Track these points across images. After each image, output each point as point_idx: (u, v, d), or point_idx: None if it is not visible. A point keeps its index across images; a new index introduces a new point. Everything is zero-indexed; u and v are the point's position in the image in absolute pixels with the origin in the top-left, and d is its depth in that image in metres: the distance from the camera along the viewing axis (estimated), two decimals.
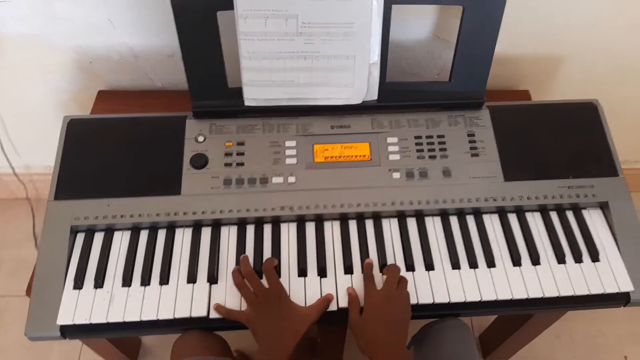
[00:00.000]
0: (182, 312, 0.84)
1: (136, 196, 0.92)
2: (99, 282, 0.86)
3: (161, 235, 0.92)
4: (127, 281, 0.87)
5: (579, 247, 0.93)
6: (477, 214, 0.96)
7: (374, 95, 0.98)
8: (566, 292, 0.88)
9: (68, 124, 0.98)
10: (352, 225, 0.94)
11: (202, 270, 0.88)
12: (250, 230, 0.93)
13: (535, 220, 0.96)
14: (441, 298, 0.87)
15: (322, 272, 0.89)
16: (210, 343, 0.89)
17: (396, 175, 0.96)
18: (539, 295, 0.87)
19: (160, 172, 0.94)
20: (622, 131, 1.31)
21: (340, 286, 0.87)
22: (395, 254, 0.91)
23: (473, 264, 0.90)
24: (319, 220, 0.94)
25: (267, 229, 0.93)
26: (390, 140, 0.99)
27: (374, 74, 0.95)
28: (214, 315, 0.84)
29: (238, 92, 0.96)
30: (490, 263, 0.90)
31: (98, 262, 0.89)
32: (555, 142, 1.00)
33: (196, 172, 0.94)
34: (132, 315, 0.84)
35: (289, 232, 0.93)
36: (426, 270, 0.90)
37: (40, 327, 0.83)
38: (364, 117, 1.01)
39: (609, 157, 1.00)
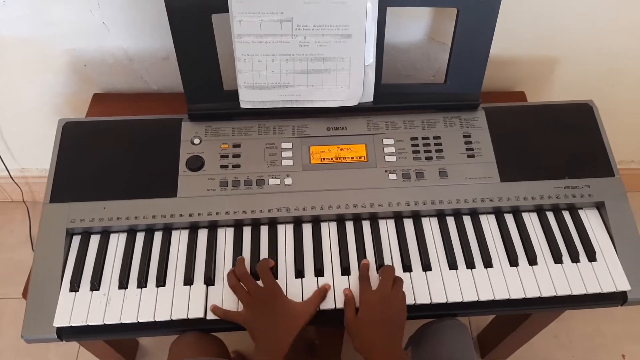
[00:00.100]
0: (179, 314, 0.84)
1: (132, 198, 0.92)
2: (95, 285, 0.86)
3: (157, 237, 0.92)
4: (123, 283, 0.87)
5: (576, 247, 0.93)
6: (474, 214, 0.96)
7: (369, 97, 0.98)
8: (563, 291, 0.88)
9: (63, 127, 0.98)
10: (349, 227, 0.94)
11: (198, 272, 0.88)
12: (247, 231, 0.93)
13: (531, 221, 0.96)
14: (438, 298, 0.87)
15: (319, 273, 0.89)
16: (207, 344, 0.89)
17: (392, 176, 0.96)
18: (536, 294, 0.88)
19: (156, 175, 0.94)
20: (618, 131, 1.31)
21: (337, 287, 0.87)
22: (392, 255, 0.91)
23: (470, 264, 0.90)
24: (316, 222, 0.94)
25: (264, 231, 0.93)
26: (386, 141, 0.99)
27: (369, 76, 0.95)
28: (210, 316, 0.84)
29: (234, 95, 0.96)
30: (488, 263, 0.90)
31: (94, 265, 0.88)
32: (551, 143, 1.01)
33: (192, 174, 0.94)
34: (129, 317, 0.84)
35: (285, 234, 0.93)
36: (423, 270, 0.90)
37: (36, 329, 0.83)
38: (360, 118, 1.01)
39: (605, 157, 1.00)
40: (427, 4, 0.99)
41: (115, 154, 0.96)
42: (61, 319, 0.83)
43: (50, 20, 1.08)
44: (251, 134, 0.99)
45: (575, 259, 0.92)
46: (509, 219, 0.96)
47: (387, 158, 0.98)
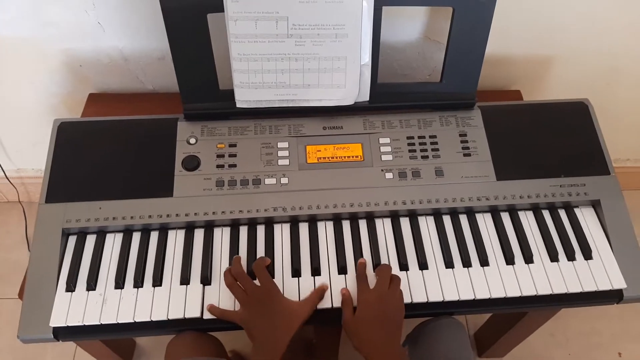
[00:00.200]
0: (175, 313, 0.84)
1: (128, 198, 0.92)
2: (91, 285, 0.86)
3: (154, 237, 0.92)
4: (119, 283, 0.87)
5: (572, 245, 0.93)
6: (470, 213, 0.96)
7: (365, 97, 0.98)
8: (559, 289, 0.88)
9: (59, 127, 0.98)
10: (346, 226, 0.94)
11: (195, 272, 0.88)
12: (243, 231, 0.93)
13: (527, 219, 0.96)
14: (435, 297, 0.87)
15: (315, 273, 0.89)
16: (204, 344, 0.89)
17: (389, 175, 0.96)
18: (532, 293, 0.88)
19: (152, 175, 0.94)
20: (614, 130, 1.32)
21: (334, 286, 0.87)
22: (388, 254, 0.91)
23: (466, 263, 0.90)
24: (313, 221, 0.94)
25: (261, 230, 0.93)
26: (382, 140, 0.99)
27: (365, 75, 0.95)
28: (207, 316, 0.84)
29: (229, 94, 0.96)
30: (484, 262, 0.91)
31: (90, 265, 0.88)
32: (546, 142, 1.01)
33: (188, 174, 0.94)
34: (126, 317, 0.83)
35: (282, 233, 0.93)
36: (420, 269, 0.90)
37: (33, 330, 0.83)
38: (356, 118, 1.01)
39: (601, 155, 1.00)
40: (423, 3, 0.99)
41: (111, 154, 0.96)
42: (57, 319, 0.83)
43: (46, 20, 1.07)
44: (247, 133, 0.99)
45: (571, 257, 0.92)
46: (505, 218, 0.96)
47: (384, 157, 0.98)
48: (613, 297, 0.90)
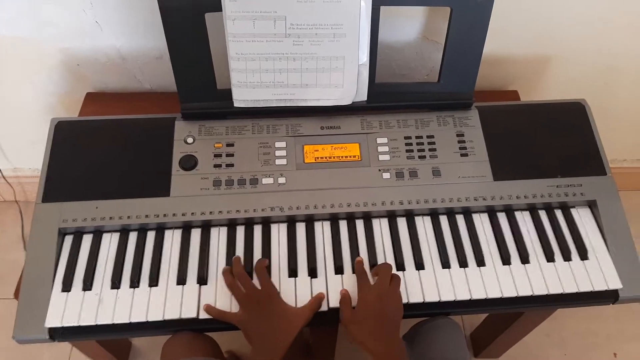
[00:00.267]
0: (171, 314, 0.84)
1: (125, 198, 0.91)
2: (87, 285, 0.86)
3: (150, 237, 0.92)
4: (116, 283, 0.86)
5: (568, 246, 0.93)
6: (467, 213, 0.96)
7: (363, 96, 0.98)
8: (555, 290, 0.88)
9: (56, 126, 0.97)
10: (343, 226, 0.94)
11: (192, 272, 0.88)
12: (240, 231, 0.93)
13: (524, 219, 0.96)
14: (431, 297, 0.87)
15: (312, 273, 0.89)
16: (200, 344, 0.88)
17: (386, 175, 0.96)
18: (528, 293, 0.88)
19: (149, 174, 0.94)
20: (611, 130, 1.32)
21: (331, 286, 0.87)
22: (385, 254, 0.91)
23: (463, 263, 0.90)
24: (310, 221, 0.94)
25: (258, 230, 0.93)
26: (380, 140, 0.99)
27: (363, 75, 0.96)
28: (204, 316, 0.84)
29: (227, 94, 0.96)
30: (480, 262, 0.91)
31: (86, 265, 0.88)
32: (543, 142, 1.01)
33: (185, 173, 0.94)
34: (122, 317, 0.83)
35: (279, 233, 0.93)
36: (416, 269, 0.90)
37: (28, 330, 0.82)
38: (354, 117, 1.01)
39: (597, 156, 1.00)
40: (421, 3, 0.99)
41: (108, 154, 0.96)
42: (53, 320, 0.83)
43: (44, 20, 1.07)
44: (245, 133, 0.99)
45: (567, 257, 0.92)
46: (502, 218, 0.96)
47: (381, 157, 0.98)
48: (609, 297, 0.90)
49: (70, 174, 0.94)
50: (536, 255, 0.92)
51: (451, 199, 0.95)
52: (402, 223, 0.95)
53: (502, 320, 1.26)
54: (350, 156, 0.98)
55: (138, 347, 1.46)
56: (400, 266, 0.90)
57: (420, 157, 0.98)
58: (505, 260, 0.91)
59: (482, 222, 0.96)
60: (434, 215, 0.96)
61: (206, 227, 0.93)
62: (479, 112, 1.03)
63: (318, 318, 0.85)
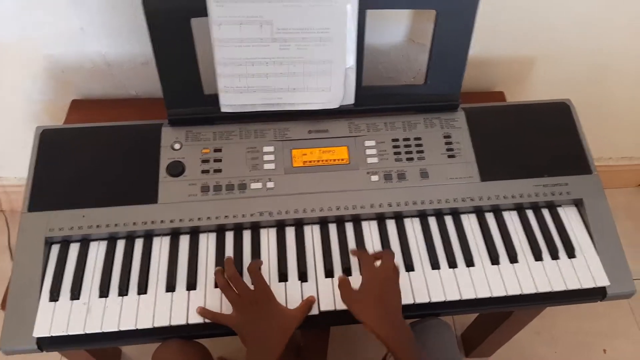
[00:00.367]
0: (161, 321, 0.83)
1: (112, 206, 0.91)
2: (75, 294, 0.85)
3: (138, 244, 0.91)
4: (104, 292, 0.86)
5: (555, 244, 0.94)
6: (455, 214, 0.97)
7: (350, 100, 0.98)
8: (544, 288, 0.89)
9: (41, 134, 0.96)
10: (332, 229, 0.94)
11: (180, 279, 0.88)
12: (229, 236, 0.93)
13: (512, 219, 0.97)
14: (421, 298, 0.87)
15: (302, 277, 0.89)
16: (191, 351, 0.88)
17: (374, 177, 0.96)
18: (517, 292, 0.89)
19: (136, 181, 0.93)
20: (596, 129, 1.33)
21: (321, 290, 0.87)
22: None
23: (452, 264, 0.91)
24: (299, 225, 0.94)
25: (247, 235, 0.93)
26: (368, 143, 1.00)
27: (350, 78, 0.96)
28: (194, 320, 0.83)
29: (214, 99, 0.95)
30: (469, 262, 0.91)
31: (74, 274, 0.87)
32: (530, 142, 1.02)
33: (173, 179, 0.94)
34: (111, 326, 0.83)
35: (268, 238, 0.93)
36: (406, 271, 0.90)
37: (16, 341, 0.82)
38: (342, 121, 1.01)
39: (583, 155, 1.01)
40: (406, 6, 1.00)
41: (94, 161, 0.95)
42: (41, 329, 0.82)
43: (27, 26, 1.06)
44: (232, 138, 0.98)
45: (555, 255, 0.93)
46: (490, 218, 0.97)
47: (369, 160, 0.98)
48: (597, 294, 0.91)
49: (56, 183, 0.93)
50: (524, 255, 0.93)
51: (439, 200, 0.95)
52: (391, 225, 0.95)
53: (492, 320, 1.27)
54: (338, 159, 0.98)
55: (128, 355, 1.45)
56: None
57: (408, 159, 0.98)
58: (494, 260, 0.92)
59: (470, 223, 0.96)
60: (422, 216, 0.96)
61: (195, 234, 0.92)
62: (465, 113, 1.04)
63: (309, 321, 0.85)
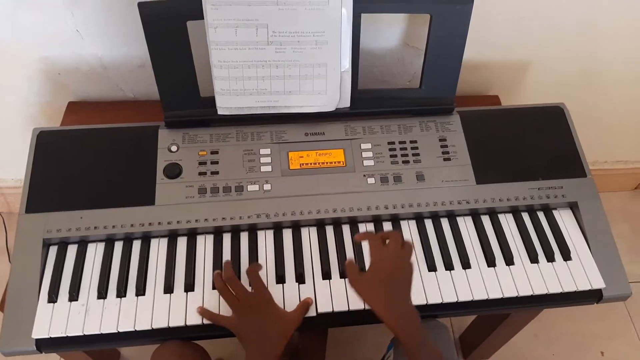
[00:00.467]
0: (159, 322, 0.84)
1: (109, 207, 0.91)
2: (73, 295, 0.85)
3: (136, 246, 0.91)
4: (102, 293, 0.86)
5: (551, 247, 0.94)
6: (451, 216, 0.97)
7: (346, 103, 0.99)
8: (540, 290, 0.90)
9: (38, 136, 0.97)
10: (329, 231, 0.95)
11: (178, 280, 0.88)
12: (226, 238, 0.93)
13: (507, 221, 0.98)
14: (418, 300, 0.87)
15: (300, 279, 0.89)
16: (189, 352, 0.88)
17: (371, 180, 0.97)
18: (513, 294, 0.89)
19: (133, 183, 0.94)
20: (591, 133, 1.34)
21: (319, 292, 0.88)
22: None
23: (449, 266, 0.91)
24: (296, 227, 0.95)
25: (244, 237, 0.93)
26: (364, 146, 1.00)
27: (346, 82, 0.96)
28: (192, 322, 0.84)
29: (211, 101, 0.96)
30: (466, 264, 0.92)
31: (72, 275, 0.87)
32: (524, 145, 1.03)
33: (170, 181, 0.94)
34: (109, 327, 0.83)
35: (266, 240, 0.93)
36: None
37: (14, 342, 0.82)
38: (338, 124, 1.02)
39: (577, 158, 1.02)
40: (401, 10, 1.00)
41: (91, 163, 0.95)
42: (40, 331, 0.82)
43: (22, 28, 1.06)
44: (229, 140, 0.99)
45: (550, 258, 0.93)
46: (486, 221, 0.97)
47: (365, 162, 0.98)
48: (593, 296, 0.92)
49: (53, 184, 0.93)
50: (520, 257, 0.93)
51: (435, 203, 0.96)
52: (387, 227, 0.95)
53: (489, 322, 1.27)
54: (335, 162, 0.98)
55: (126, 356, 1.45)
56: None
57: (404, 162, 0.99)
58: (490, 262, 0.92)
59: (466, 225, 0.97)
60: (418, 219, 0.97)
61: (192, 235, 0.93)
62: (460, 117, 1.04)
63: (307, 323, 0.85)
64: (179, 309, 0.85)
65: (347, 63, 0.94)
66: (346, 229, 0.95)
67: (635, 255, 1.69)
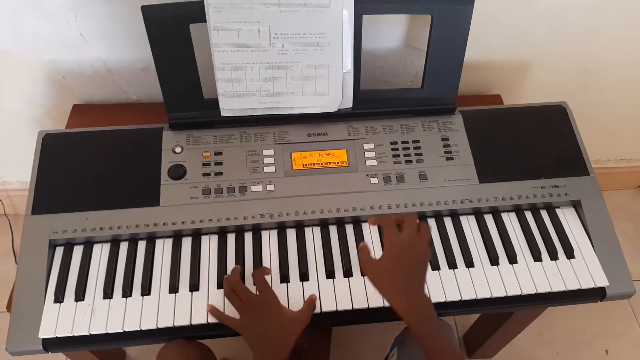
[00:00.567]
0: (165, 322, 0.84)
1: (114, 208, 0.92)
2: (79, 295, 0.86)
3: (141, 246, 0.92)
4: (108, 293, 0.87)
5: (554, 245, 0.95)
6: (454, 215, 0.98)
7: (349, 103, 0.99)
8: (543, 289, 0.90)
9: (43, 139, 0.98)
10: (333, 231, 0.95)
11: (183, 280, 0.89)
12: (231, 238, 0.94)
13: (510, 220, 0.98)
14: None
15: (304, 278, 0.90)
16: (194, 352, 0.89)
17: (374, 180, 0.97)
18: (517, 292, 0.89)
19: (138, 184, 0.94)
20: (593, 131, 1.34)
21: (323, 291, 0.88)
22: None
23: (452, 265, 0.92)
24: (300, 227, 0.95)
25: (248, 237, 0.94)
26: (366, 146, 1.00)
27: (348, 82, 0.97)
28: (197, 321, 0.84)
29: (214, 103, 0.96)
30: (469, 263, 0.92)
31: (78, 276, 0.88)
32: (527, 144, 1.03)
33: (174, 183, 0.95)
34: (115, 327, 0.84)
35: (270, 240, 0.94)
36: None
37: (21, 342, 0.83)
38: (340, 124, 1.02)
39: (580, 157, 1.02)
40: (402, 11, 1.01)
41: (96, 165, 0.96)
42: (46, 330, 0.83)
43: (28, 32, 1.07)
44: (232, 141, 1.00)
45: (554, 256, 0.93)
46: (489, 219, 0.98)
47: (368, 162, 0.99)
48: (596, 294, 0.92)
49: (59, 186, 0.94)
50: (523, 255, 0.94)
51: (438, 202, 0.96)
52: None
53: (493, 321, 1.28)
54: (337, 162, 0.99)
55: (132, 356, 1.46)
56: None
57: (406, 161, 0.99)
58: (494, 260, 0.92)
59: (469, 224, 0.97)
60: (421, 218, 0.97)
61: (197, 236, 0.93)
62: (462, 116, 1.04)
63: (312, 322, 0.85)
64: (184, 309, 0.86)
65: (349, 64, 0.95)
66: (349, 229, 0.95)
67: (638, 253, 1.69)
